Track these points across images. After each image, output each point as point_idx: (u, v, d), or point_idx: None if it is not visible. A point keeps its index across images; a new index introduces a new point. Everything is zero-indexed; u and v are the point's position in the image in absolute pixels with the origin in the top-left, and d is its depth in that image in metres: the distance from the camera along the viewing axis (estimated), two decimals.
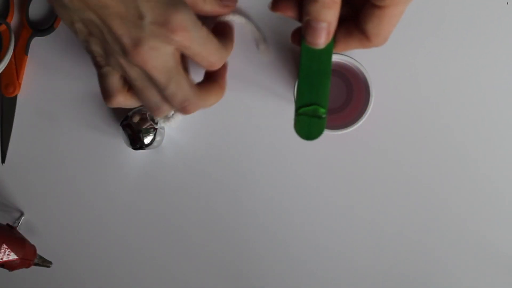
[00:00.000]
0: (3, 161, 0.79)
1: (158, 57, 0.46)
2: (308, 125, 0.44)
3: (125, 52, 0.46)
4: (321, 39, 0.42)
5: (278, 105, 0.74)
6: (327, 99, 0.44)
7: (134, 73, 0.48)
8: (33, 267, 0.75)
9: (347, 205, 0.76)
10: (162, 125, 0.73)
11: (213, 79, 0.57)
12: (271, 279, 0.78)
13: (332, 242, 0.77)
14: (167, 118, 0.74)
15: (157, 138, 0.73)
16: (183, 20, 0.45)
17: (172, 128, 0.76)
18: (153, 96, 0.50)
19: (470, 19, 0.72)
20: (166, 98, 0.49)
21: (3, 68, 0.75)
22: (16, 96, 0.77)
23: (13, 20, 0.78)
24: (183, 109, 0.50)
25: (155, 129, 0.72)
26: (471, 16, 0.72)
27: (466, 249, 0.75)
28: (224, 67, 0.59)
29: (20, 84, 0.77)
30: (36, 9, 0.78)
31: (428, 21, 0.73)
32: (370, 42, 0.43)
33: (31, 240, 0.74)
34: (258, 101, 0.74)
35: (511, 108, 0.73)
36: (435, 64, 0.73)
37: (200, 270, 0.79)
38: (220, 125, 0.76)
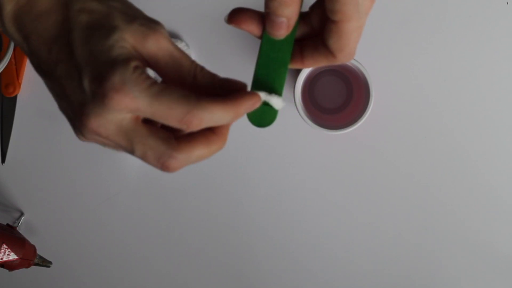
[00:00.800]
0: (3, 161, 0.79)
1: (107, 124, 0.40)
2: (261, 112, 0.44)
3: (76, 118, 0.42)
4: (281, 31, 0.43)
5: None
6: (282, 88, 0.44)
7: (93, 138, 0.43)
8: (33, 267, 0.75)
9: (347, 204, 0.76)
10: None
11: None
12: (270, 280, 0.78)
13: (332, 242, 0.77)
14: None
15: None
16: (119, 81, 0.38)
17: None
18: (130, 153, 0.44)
19: (470, 19, 0.72)
20: (141, 159, 0.43)
21: (3, 67, 0.75)
22: (16, 96, 0.77)
23: None
24: (163, 168, 0.42)
25: None
26: (471, 16, 0.72)
27: (465, 248, 0.75)
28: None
29: (20, 84, 0.77)
30: None
31: (428, 21, 0.73)
32: (335, 58, 0.43)
33: (31, 240, 0.74)
34: None
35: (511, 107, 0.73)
36: (435, 64, 0.73)
37: (199, 270, 0.79)
38: None
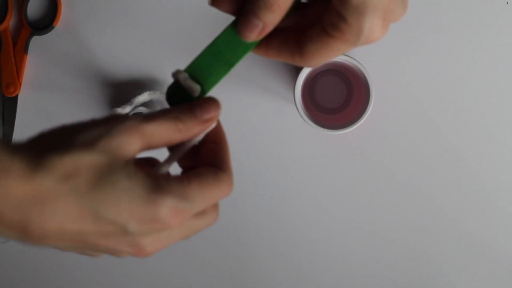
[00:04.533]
0: None
1: (163, 240, 0.40)
2: (177, 88, 0.42)
3: (132, 254, 0.40)
4: (251, 34, 0.40)
5: (278, 105, 0.74)
6: (211, 86, 0.41)
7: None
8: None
9: (347, 204, 0.76)
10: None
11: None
12: (269, 280, 0.78)
13: (331, 242, 0.77)
14: None
15: None
16: (173, 209, 0.37)
17: None
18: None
19: (470, 19, 0.72)
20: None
21: None
22: (17, 96, 0.77)
23: (12, 19, 0.78)
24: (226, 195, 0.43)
25: None
26: (471, 16, 0.72)
27: (464, 249, 0.75)
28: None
29: (20, 83, 0.77)
30: (34, 8, 0.78)
31: (428, 21, 0.73)
32: (301, 59, 0.40)
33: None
34: (258, 101, 0.74)
35: None
36: (435, 64, 0.73)
37: (199, 271, 0.79)
38: None
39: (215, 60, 0.42)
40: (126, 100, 0.75)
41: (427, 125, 0.74)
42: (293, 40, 0.41)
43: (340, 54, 0.39)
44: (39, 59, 0.77)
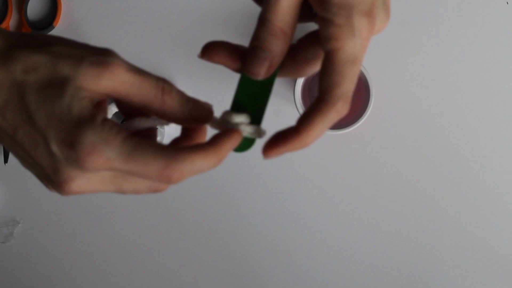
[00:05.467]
0: (5, 161, 0.78)
1: (88, 183, 0.38)
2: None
3: (52, 183, 0.39)
4: (260, 69, 0.39)
5: (278, 105, 0.74)
6: (262, 114, 0.41)
7: (77, 194, 0.40)
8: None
9: (347, 204, 0.76)
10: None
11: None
12: (268, 280, 0.79)
13: (331, 241, 0.77)
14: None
15: (157, 138, 0.73)
16: (90, 143, 0.36)
17: (172, 128, 0.76)
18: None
19: (470, 19, 0.73)
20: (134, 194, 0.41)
21: None
22: None
23: (12, 19, 0.78)
24: (168, 180, 0.39)
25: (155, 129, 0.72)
26: (471, 16, 0.72)
27: (464, 249, 0.75)
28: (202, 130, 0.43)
29: None
30: (34, 8, 0.78)
31: (428, 21, 0.73)
32: (325, 102, 0.38)
33: (31, 239, 0.74)
34: None
35: None
36: (435, 64, 0.73)
37: (198, 271, 0.79)
38: None
39: (254, 91, 0.40)
40: None
41: (427, 125, 0.74)
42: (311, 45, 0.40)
43: (353, 73, 0.37)
44: None
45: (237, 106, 0.40)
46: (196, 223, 0.78)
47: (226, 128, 0.40)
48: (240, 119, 0.40)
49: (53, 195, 0.79)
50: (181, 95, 0.39)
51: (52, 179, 0.38)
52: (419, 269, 0.76)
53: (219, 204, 0.78)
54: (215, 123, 0.40)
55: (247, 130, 0.40)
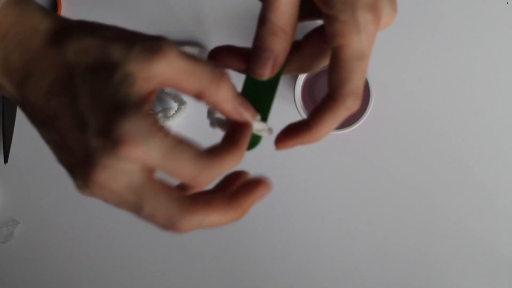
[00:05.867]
0: (5, 161, 0.78)
1: (116, 177, 0.36)
2: None
3: (80, 170, 0.38)
4: (264, 70, 0.39)
5: (278, 105, 0.74)
6: (268, 112, 0.41)
7: (99, 193, 0.38)
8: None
9: (346, 204, 0.76)
10: (163, 124, 0.73)
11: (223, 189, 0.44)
12: (270, 281, 0.79)
13: (331, 241, 0.77)
14: (167, 116, 0.74)
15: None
16: (131, 130, 0.34)
17: (172, 127, 0.76)
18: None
19: (470, 19, 0.73)
20: (146, 219, 0.38)
21: None
22: None
23: None
24: (172, 228, 0.38)
25: None
26: (471, 16, 0.72)
27: (464, 249, 0.75)
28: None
29: None
30: None
31: (428, 21, 0.73)
32: (334, 99, 0.38)
33: (31, 238, 0.74)
34: None
35: None
36: (435, 64, 0.73)
37: (198, 271, 0.79)
38: None
39: (259, 89, 0.40)
40: None
41: (427, 125, 0.74)
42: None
43: (362, 69, 0.37)
44: None
45: None
46: None
47: (228, 126, 0.40)
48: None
49: (53, 195, 0.79)
50: (234, 86, 0.38)
51: (81, 166, 0.37)
52: (419, 269, 0.76)
53: None
54: (219, 121, 0.41)
55: (255, 126, 0.40)
